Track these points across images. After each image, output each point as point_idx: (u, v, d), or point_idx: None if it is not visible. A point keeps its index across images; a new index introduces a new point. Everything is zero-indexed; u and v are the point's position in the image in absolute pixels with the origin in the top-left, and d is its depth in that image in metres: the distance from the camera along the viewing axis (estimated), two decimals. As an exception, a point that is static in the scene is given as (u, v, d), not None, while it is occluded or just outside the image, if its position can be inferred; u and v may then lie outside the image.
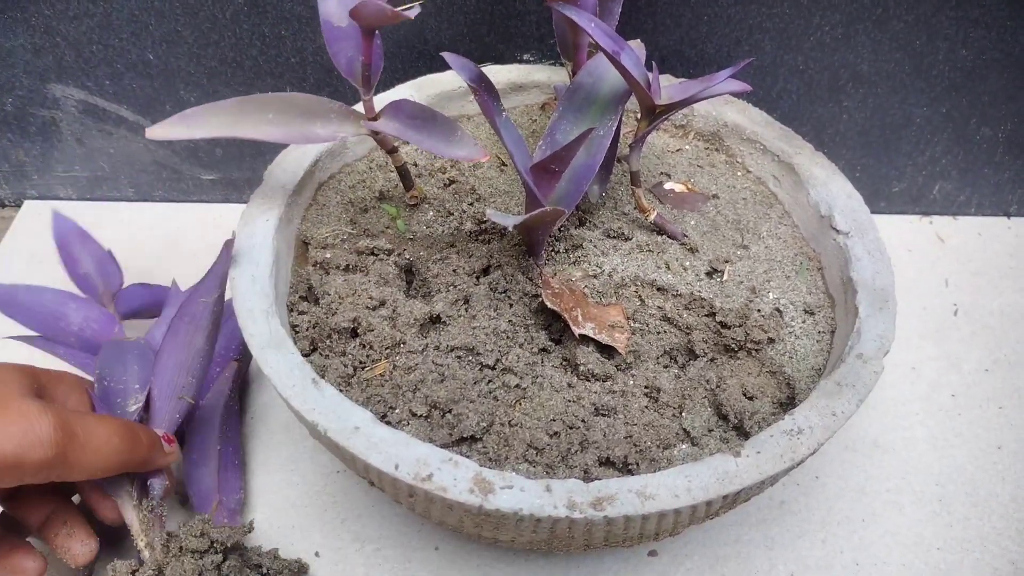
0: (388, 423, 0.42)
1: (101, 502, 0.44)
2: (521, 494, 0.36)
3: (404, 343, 0.44)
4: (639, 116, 0.47)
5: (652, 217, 0.49)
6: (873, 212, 0.70)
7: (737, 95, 0.57)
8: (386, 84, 0.57)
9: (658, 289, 0.47)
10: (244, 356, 0.55)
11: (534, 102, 0.60)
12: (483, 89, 0.42)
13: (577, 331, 0.43)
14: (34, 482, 0.37)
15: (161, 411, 0.45)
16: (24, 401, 0.37)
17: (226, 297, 0.45)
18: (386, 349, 0.44)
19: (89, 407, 0.44)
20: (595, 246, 0.49)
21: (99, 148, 0.67)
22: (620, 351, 0.44)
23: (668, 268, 0.48)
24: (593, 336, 0.44)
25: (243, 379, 0.56)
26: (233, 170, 0.68)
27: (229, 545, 0.43)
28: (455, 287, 0.46)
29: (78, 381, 0.45)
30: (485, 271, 0.48)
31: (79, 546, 0.43)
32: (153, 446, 0.43)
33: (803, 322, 0.47)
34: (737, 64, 0.44)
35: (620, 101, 0.46)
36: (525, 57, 0.61)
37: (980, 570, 0.49)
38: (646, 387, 0.44)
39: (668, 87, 0.45)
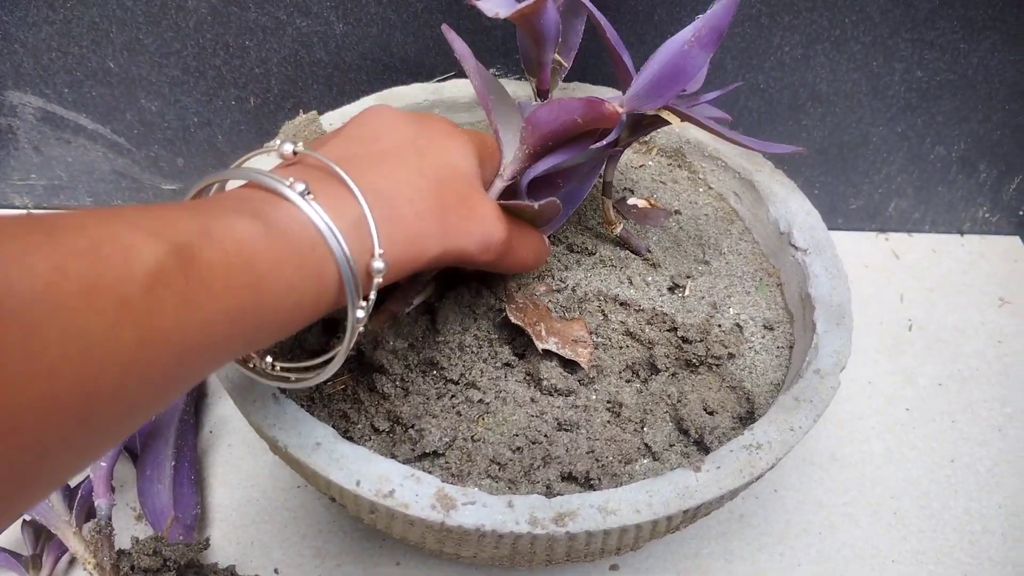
0: (350, 438, 0.42)
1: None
2: (483, 510, 0.36)
3: (366, 357, 0.44)
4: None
5: (618, 231, 0.49)
6: (831, 228, 0.71)
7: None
8: (350, 96, 0.57)
9: (621, 304, 0.47)
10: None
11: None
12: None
13: (541, 345, 0.43)
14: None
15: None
16: (486, 204, 0.37)
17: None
18: (348, 363, 0.44)
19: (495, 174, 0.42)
20: (559, 260, 0.49)
21: (57, 156, 0.66)
22: (583, 366, 0.44)
23: (631, 283, 0.48)
24: (556, 351, 0.44)
25: (199, 392, 0.55)
26: (195, 180, 0.67)
27: (183, 563, 0.42)
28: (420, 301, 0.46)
29: (496, 151, 0.42)
30: (451, 286, 0.48)
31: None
32: (544, 254, 0.44)
33: (763, 337, 0.48)
34: (724, 88, 0.44)
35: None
36: (491, 71, 0.62)
37: (934, 582, 0.50)
38: (608, 402, 0.44)
39: None
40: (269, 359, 0.36)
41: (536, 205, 0.39)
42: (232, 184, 0.32)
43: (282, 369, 0.36)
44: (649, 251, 0.50)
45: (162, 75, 0.61)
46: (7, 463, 0.20)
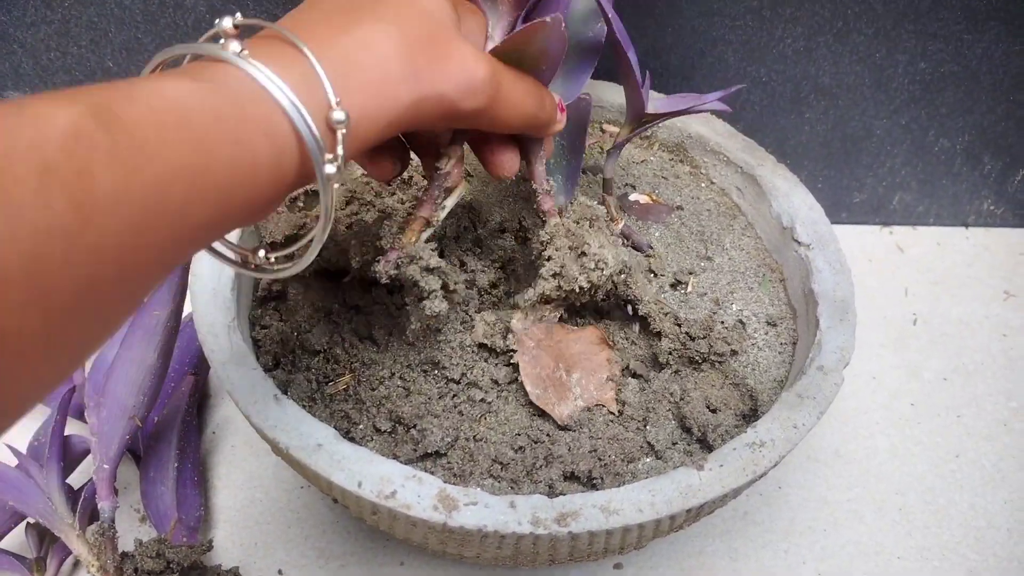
0: (352, 439, 0.41)
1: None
2: (485, 510, 0.36)
3: (368, 357, 0.44)
4: (621, 123, 0.47)
5: (620, 227, 0.49)
6: (835, 222, 0.71)
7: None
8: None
9: (627, 301, 0.47)
10: (201, 370, 0.54)
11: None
12: None
13: (567, 412, 0.42)
14: (447, 126, 0.36)
15: (111, 432, 0.44)
16: (462, 45, 0.34)
17: (185, 311, 0.44)
18: (351, 363, 0.44)
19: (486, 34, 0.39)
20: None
21: (56, 156, 0.66)
22: (613, 410, 0.43)
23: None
24: (587, 406, 0.43)
25: (202, 393, 0.55)
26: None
27: (186, 565, 0.42)
28: None
29: (476, 10, 0.39)
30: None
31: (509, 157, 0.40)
32: (555, 111, 0.40)
33: (765, 334, 0.48)
34: (728, 89, 0.44)
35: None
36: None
37: (940, 577, 0.50)
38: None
39: (655, 99, 0.46)
40: (262, 253, 0.34)
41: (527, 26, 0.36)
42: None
43: (275, 259, 0.34)
44: (651, 247, 0.50)
45: (161, 74, 0.60)
46: None
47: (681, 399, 0.44)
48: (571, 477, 0.41)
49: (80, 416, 0.49)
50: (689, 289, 0.49)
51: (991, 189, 0.70)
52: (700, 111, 0.46)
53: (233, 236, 0.38)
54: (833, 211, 0.70)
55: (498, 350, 0.44)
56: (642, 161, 0.58)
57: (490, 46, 0.38)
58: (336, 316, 0.45)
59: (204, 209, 0.25)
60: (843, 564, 0.50)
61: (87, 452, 0.48)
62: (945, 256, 0.70)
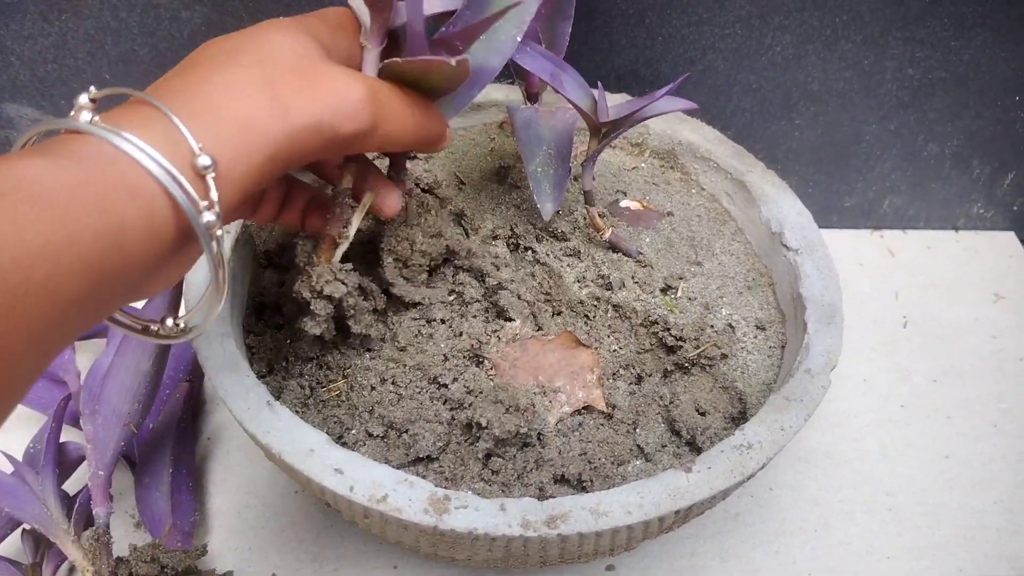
0: (344, 444, 0.42)
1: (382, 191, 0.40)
2: (476, 514, 0.36)
3: (361, 363, 0.44)
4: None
5: (607, 235, 0.50)
6: (825, 227, 0.72)
7: (690, 113, 0.58)
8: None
9: (613, 307, 0.47)
10: (196, 376, 0.55)
11: (492, 120, 0.60)
12: None
13: (554, 419, 0.43)
14: (337, 155, 0.35)
15: (106, 439, 0.45)
16: (331, 69, 0.33)
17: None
18: (343, 369, 0.44)
19: (360, 51, 0.37)
20: (549, 262, 0.49)
21: (54, 166, 0.66)
22: (603, 409, 0.44)
23: (623, 285, 0.48)
24: (573, 410, 0.44)
25: (196, 400, 0.56)
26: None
27: (181, 569, 0.42)
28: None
29: (351, 20, 0.37)
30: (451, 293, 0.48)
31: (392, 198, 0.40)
32: (443, 126, 0.39)
33: (755, 337, 0.48)
34: (675, 80, 0.45)
35: None
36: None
37: (930, 578, 0.50)
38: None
39: (614, 106, 0.46)
40: (170, 321, 0.34)
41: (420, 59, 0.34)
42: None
43: (176, 325, 0.34)
44: (640, 253, 0.50)
45: (157, 85, 0.61)
46: None
47: (671, 402, 0.44)
48: (561, 480, 0.41)
49: (75, 423, 0.49)
50: (679, 294, 0.49)
51: (980, 193, 0.70)
52: (657, 113, 0.46)
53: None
54: (824, 215, 0.71)
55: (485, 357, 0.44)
56: (633, 168, 0.58)
57: (372, 53, 0.36)
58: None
59: (73, 284, 0.25)
60: (833, 564, 0.51)
61: (82, 459, 0.49)
62: (935, 259, 0.70)
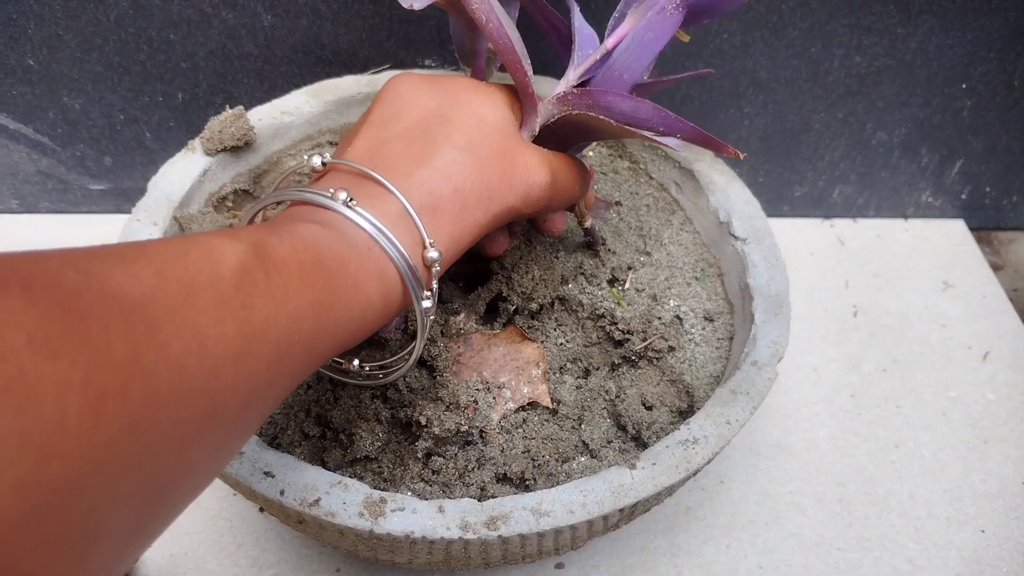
0: (278, 446, 0.40)
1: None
2: (413, 516, 0.35)
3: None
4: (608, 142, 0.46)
5: (588, 223, 0.48)
6: (777, 216, 0.71)
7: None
8: (282, 90, 0.55)
9: (559, 300, 0.46)
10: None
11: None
12: None
13: (497, 417, 0.42)
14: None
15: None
16: (526, 153, 0.36)
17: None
18: None
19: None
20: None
21: (-22, 158, 0.63)
22: (548, 405, 0.43)
23: (574, 278, 0.47)
24: (518, 407, 0.42)
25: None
26: (124, 180, 0.65)
27: (108, 580, 0.40)
28: None
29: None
30: None
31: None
32: (588, 182, 0.43)
33: (703, 329, 0.47)
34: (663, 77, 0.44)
35: None
36: (427, 63, 0.60)
37: (880, 568, 0.50)
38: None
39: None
40: (356, 362, 0.38)
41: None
42: (276, 210, 0.34)
43: (370, 369, 0.38)
44: (605, 241, 0.49)
45: (84, 72, 0.58)
46: (149, 457, 0.20)
47: (617, 397, 0.43)
48: (504, 479, 0.40)
49: None
50: (627, 285, 0.48)
51: (929, 181, 0.70)
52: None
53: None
54: (775, 205, 0.71)
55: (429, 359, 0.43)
56: (582, 156, 0.57)
57: (536, 124, 0.39)
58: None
59: (326, 341, 0.28)
60: (784, 556, 0.50)
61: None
62: (885, 248, 0.70)
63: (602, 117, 0.36)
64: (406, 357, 0.37)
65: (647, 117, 0.37)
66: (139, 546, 0.22)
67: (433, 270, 0.33)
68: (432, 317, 0.34)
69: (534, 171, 0.36)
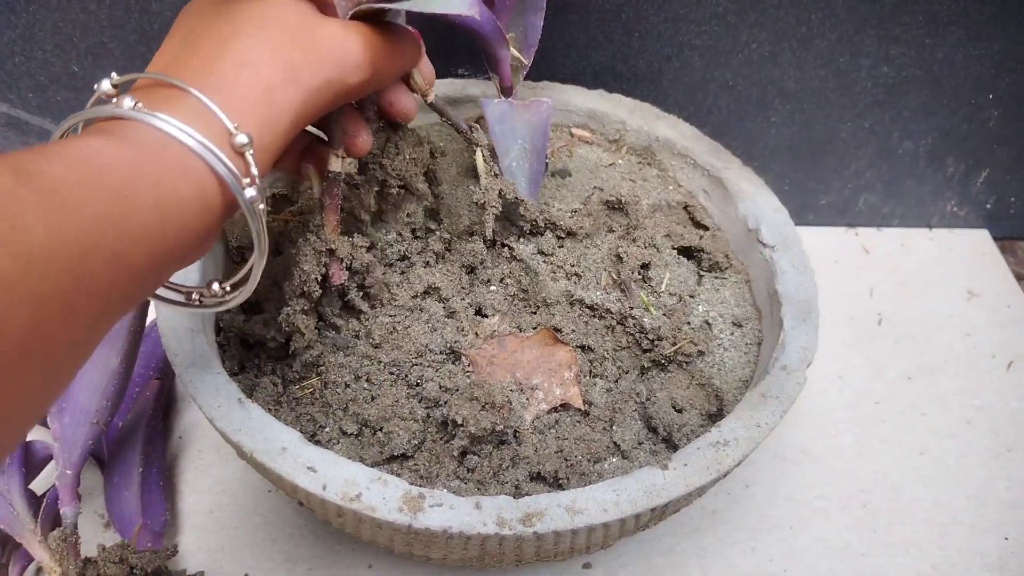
0: (317, 442, 0.41)
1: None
2: (451, 512, 0.36)
3: (334, 360, 0.44)
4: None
5: (430, 99, 0.45)
6: (802, 224, 0.72)
7: (667, 109, 0.58)
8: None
9: (589, 307, 0.47)
10: (167, 374, 0.54)
11: (469, 115, 0.60)
12: None
13: (531, 417, 0.43)
14: (346, 102, 0.38)
15: (73, 437, 0.44)
16: (327, 25, 0.35)
17: (149, 315, 0.44)
18: (317, 367, 0.44)
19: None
20: (527, 262, 0.49)
21: (21, 161, 0.65)
22: (580, 407, 0.44)
23: (598, 284, 0.48)
24: (550, 407, 0.43)
25: (168, 398, 0.55)
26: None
27: (150, 570, 0.42)
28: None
29: None
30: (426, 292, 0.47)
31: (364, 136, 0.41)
32: (417, 45, 0.41)
33: (731, 334, 0.48)
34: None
35: None
36: (460, 72, 0.62)
37: (904, 573, 0.51)
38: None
39: None
40: (216, 286, 0.36)
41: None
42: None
43: (228, 289, 0.36)
44: (473, 130, 0.48)
45: (127, 78, 0.60)
46: None
47: (647, 399, 0.44)
48: (537, 478, 0.41)
49: (43, 422, 0.49)
50: (662, 288, 0.49)
51: (954, 191, 0.71)
52: None
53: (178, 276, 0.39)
54: (800, 213, 0.71)
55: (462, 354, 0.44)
56: (610, 164, 0.58)
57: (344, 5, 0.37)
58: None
59: (137, 251, 0.27)
60: (810, 561, 0.51)
61: (50, 458, 0.48)
62: (909, 257, 0.71)
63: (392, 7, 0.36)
64: (255, 265, 0.35)
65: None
66: None
67: (247, 155, 0.31)
68: (262, 206, 0.32)
69: (340, 38, 0.35)
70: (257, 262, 0.34)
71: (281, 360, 0.44)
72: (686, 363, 0.46)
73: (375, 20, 0.37)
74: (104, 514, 0.49)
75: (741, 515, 0.53)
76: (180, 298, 0.36)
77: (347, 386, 0.43)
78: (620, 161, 0.58)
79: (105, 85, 0.31)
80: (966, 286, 0.68)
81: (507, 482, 0.40)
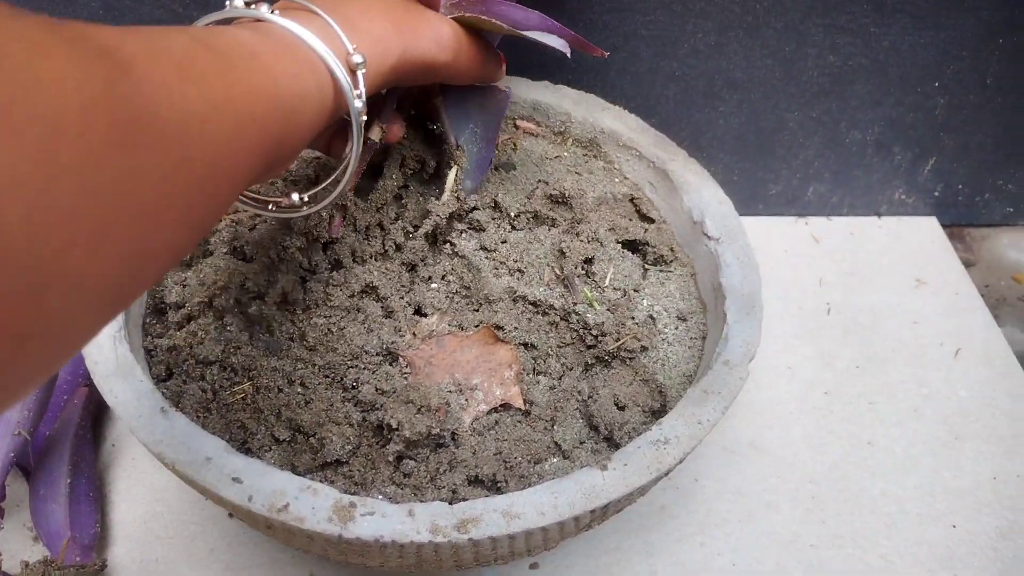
0: (248, 450, 0.40)
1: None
2: (383, 520, 0.35)
3: (267, 364, 0.42)
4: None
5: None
6: (752, 214, 0.72)
7: (612, 100, 0.57)
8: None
9: (532, 304, 0.46)
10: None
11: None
12: None
13: (468, 419, 0.42)
14: (426, 80, 0.43)
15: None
16: (428, 12, 0.41)
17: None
18: (249, 371, 0.42)
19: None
20: (469, 258, 0.48)
21: None
22: (520, 407, 0.43)
23: (541, 280, 0.47)
24: (489, 407, 0.42)
25: (98, 405, 0.53)
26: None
27: (76, 586, 0.40)
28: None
29: None
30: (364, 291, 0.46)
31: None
32: (500, 65, 0.47)
33: (676, 328, 0.48)
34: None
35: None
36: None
37: (853, 564, 0.51)
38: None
39: None
40: (296, 195, 0.39)
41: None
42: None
43: (309, 198, 0.40)
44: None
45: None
46: (133, 182, 0.22)
47: (589, 397, 0.43)
48: (475, 481, 0.40)
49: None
50: (606, 283, 0.48)
51: (902, 179, 0.71)
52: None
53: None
54: (750, 203, 0.71)
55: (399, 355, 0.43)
56: (556, 157, 0.57)
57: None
58: (230, 325, 0.43)
59: (276, 125, 0.30)
60: (758, 554, 0.50)
61: (-28, 471, 0.46)
62: (858, 246, 0.71)
63: (494, 20, 0.41)
64: (343, 172, 0.39)
65: (536, 24, 0.43)
66: (119, 298, 0.24)
67: (359, 74, 0.35)
68: (364, 119, 0.36)
69: (438, 22, 0.41)
70: (353, 163, 0.38)
71: (211, 364, 0.42)
72: (630, 359, 0.45)
73: (470, 29, 0.43)
74: (32, 527, 0.47)
75: (690, 510, 0.52)
76: (259, 204, 0.40)
77: (280, 391, 0.41)
78: (566, 153, 0.57)
79: (238, 1, 0.34)
80: (914, 274, 0.68)
81: (444, 486, 0.39)
